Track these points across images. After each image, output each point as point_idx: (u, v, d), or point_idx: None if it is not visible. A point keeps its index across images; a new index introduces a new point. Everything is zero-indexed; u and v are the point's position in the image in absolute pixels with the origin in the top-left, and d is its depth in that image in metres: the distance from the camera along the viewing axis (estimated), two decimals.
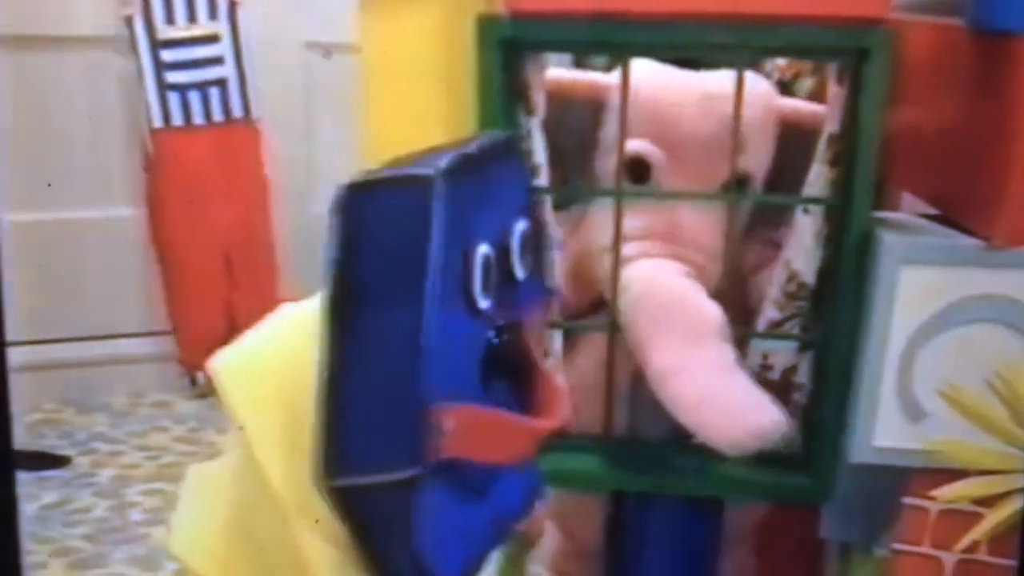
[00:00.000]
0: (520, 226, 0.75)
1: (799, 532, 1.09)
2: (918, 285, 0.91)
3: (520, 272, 0.75)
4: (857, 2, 0.88)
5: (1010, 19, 0.84)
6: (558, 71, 1.09)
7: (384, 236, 0.66)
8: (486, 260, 0.70)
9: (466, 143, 0.75)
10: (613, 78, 1.06)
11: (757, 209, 1.08)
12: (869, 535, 1.02)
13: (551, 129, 1.04)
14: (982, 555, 0.95)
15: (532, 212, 0.80)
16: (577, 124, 1.08)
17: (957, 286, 0.91)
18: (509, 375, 0.75)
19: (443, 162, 0.66)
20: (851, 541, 1.06)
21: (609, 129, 1.07)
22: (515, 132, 0.99)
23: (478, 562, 0.75)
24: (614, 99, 1.04)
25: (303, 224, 2.43)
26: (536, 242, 0.78)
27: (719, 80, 1.03)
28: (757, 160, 1.06)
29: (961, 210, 0.94)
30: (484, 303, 0.70)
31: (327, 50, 2.56)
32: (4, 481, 0.67)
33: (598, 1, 0.90)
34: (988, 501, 0.92)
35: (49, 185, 2.48)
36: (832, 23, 0.89)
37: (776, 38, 0.93)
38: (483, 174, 0.72)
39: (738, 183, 1.04)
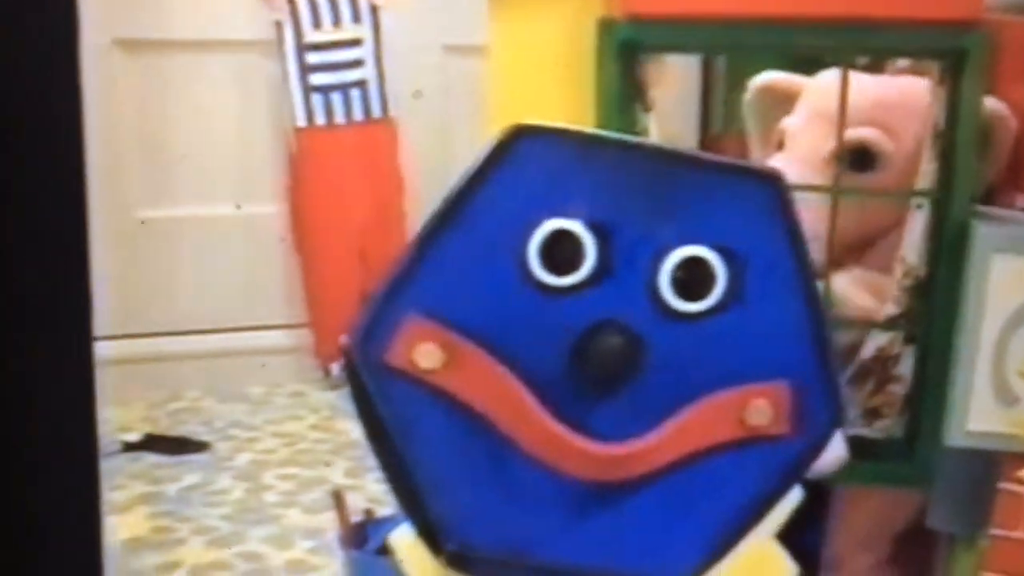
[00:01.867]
0: (691, 251, 0.70)
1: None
2: (1010, 273, 0.92)
3: (668, 294, 0.70)
4: (951, 6, 0.90)
5: None
6: (775, 73, 1.17)
7: (475, 161, 0.69)
8: (556, 234, 0.69)
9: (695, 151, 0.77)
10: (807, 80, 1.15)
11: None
12: (971, 525, 1.01)
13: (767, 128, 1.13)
14: None
15: (727, 247, 0.71)
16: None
17: None
18: (611, 382, 0.71)
19: (545, 126, 0.70)
20: (955, 532, 1.08)
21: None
22: (636, 131, 1.04)
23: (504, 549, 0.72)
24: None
25: None
26: (723, 282, 0.71)
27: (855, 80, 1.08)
28: (897, 139, 1.10)
29: None
30: (544, 275, 0.69)
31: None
32: (88, 475, 0.63)
33: (709, 5, 0.94)
34: None
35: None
36: (929, 26, 0.93)
37: (879, 40, 0.95)
38: (635, 170, 0.70)
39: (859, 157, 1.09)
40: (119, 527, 1.87)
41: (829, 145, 1.10)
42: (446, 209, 0.69)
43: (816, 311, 0.71)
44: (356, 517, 1.47)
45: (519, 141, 0.69)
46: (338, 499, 1.46)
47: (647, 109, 1.06)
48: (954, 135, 0.96)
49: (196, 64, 2.56)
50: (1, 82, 0.54)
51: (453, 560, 0.70)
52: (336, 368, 2.61)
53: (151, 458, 2.21)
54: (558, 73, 1.02)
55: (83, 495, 0.63)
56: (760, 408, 0.70)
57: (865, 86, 1.06)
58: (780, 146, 1.15)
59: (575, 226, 0.69)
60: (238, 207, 2.65)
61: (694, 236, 0.70)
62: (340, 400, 2.54)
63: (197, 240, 2.64)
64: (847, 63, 1.01)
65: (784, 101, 1.16)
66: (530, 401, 0.69)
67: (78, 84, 0.59)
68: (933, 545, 1.13)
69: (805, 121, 1.13)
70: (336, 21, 2.52)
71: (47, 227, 0.58)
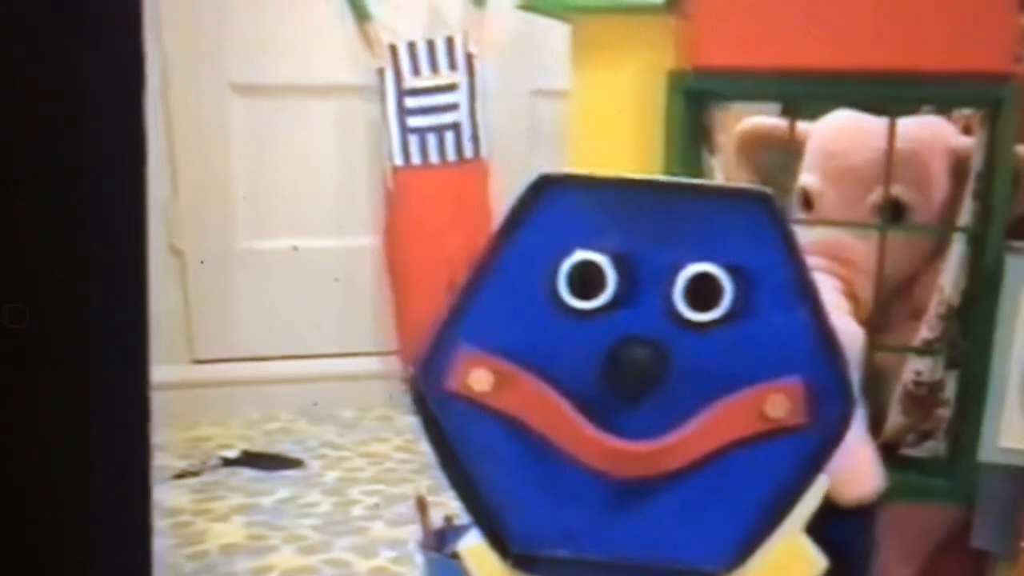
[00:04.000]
0: (701, 268, 0.76)
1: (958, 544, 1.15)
2: None
3: (683, 306, 0.77)
4: (987, 60, 0.99)
5: None
6: (761, 118, 1.24)
7: (508, 208, 0.78)
8: (580, 264, 0.76)
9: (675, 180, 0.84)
10: (810, 126, 1.21)
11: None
12: (1012, 543, 1.08)
13: (754, 170, 1.20)
14: None
15: (736, 264, 0.77)
16: (777, 166, 1.24)
17: None
18: (642, 389, 0.77)
19: (565, 173, 0.78)
20: (997, 550, 1.12)
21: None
22: (701, 171, 1.14)
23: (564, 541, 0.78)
24: (809, 145, 1.21)
25: None
26: (731, 295, 0.76)
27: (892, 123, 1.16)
28: (921, 189, 1.19)
29: None
30: (575, 303, 0.76)
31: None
32: (139, 498, 0.63)
33: (769, 59, 1.03)
34: None
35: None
36: (969, 78, 1.02)
37: (923, 91, 1.05)
38: (647, 202, 0.78)
39: (893, 210, 1.17)
40: (217, 534, 1.99)
41: (863, 203, 1.19)
42: (486, 254, 0.78)
43: (819, 314, 0.77)
44: (437, 524, 1.57)
45: (544, 189, 0.77)
46: (421, 505, 1.56)
47: (712, 152, 1.16)
48: (991, 176, 1.05)
49: (303, 107, 2.69)
50: (69, 125, 0.54)
51: (519, 562, 0.77)
52: None
53: (247, 473, 2.31)
54: (631, 118, 1.12)
55: (135, 518, 0.64)
56: (778, 402, 0.76)
57: (880, 139, 1.14)
58: (806, 203, 1.23)
59: (597, 256, 0.76)
60: (339, 240, 2.76)
61: (702, 255, 0.76)
62: None
63: (296, 271, 2.75)
64: (896, 113, 1.11)
65: (770, 143, 1.24)
66: (570, 411, 0.75)
67: (142, 129, 0.58)
68: (973, 560, 1.20)
69: (829, 180, 1.20)
70: (434, 68, 2.63)
71: (108, 258, 0.59)
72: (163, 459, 2.35)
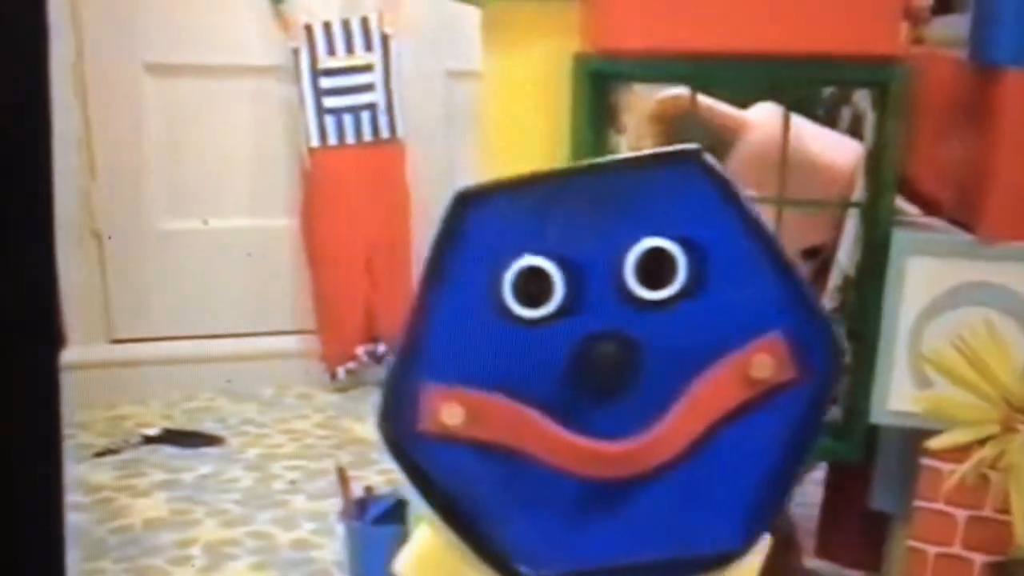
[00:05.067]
0: (648, 243, 0.74)
1: (861, 507, 1.21)
2: (923, 273, 1.06)
3: (639, 289, 0.75)
4: (874, 43, 1.05)
5: (997, 55, 1.02)
6: (681, 90, 1.29)
7: (434, 236, 0.77)
8: (523, 273, 0.74)
9: (599, 162, 0.81)
10: (748, 114, 1.27)
11: None
12: (906, 503, 1.14)
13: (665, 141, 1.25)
14: (989, 512, 1.08)
15: (688, 231, 0.75)
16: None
17: (955, 274, 1.06)
18: (611, 385, 0.75)
19: (482, 185, 0.77)
20: (893, 511, 1.19)
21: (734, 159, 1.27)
22: (608, 150, 1.19)
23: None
24: (747, 135, 1.26)
25: None
26: (683, 264, 0.75)
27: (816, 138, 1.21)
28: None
29: (962, 212, 1.10)
30: (523, 312, 0.75)
31: None
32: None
33: (670, 42, 1.08)
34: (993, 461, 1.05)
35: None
36: (858, 60, 1.08)
37: (816, 72, 1.11)
38: (575, 192, 0.76)
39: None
40: (140, 509, 2.01)
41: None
42: (425, 288, 0.76)
43: (786, 265, 0.75)
44: (357, 494, 1.61)
45: (465, 206, 0.76)
46: (342, 476, 1.60)
47: (619, 131, 1.22)
48: (881, 154, 1.12)
49: (217, 87, 2.69)
50: None
51: None
52: (341, 372, 2.74)
53: (169, 450, 2.33)
54: (540, 100, 1.17)
55: (48, 497, 0.62)
56: (762, 362, 0.74)
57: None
58: None
59: (538, 260, 0.75)
60: (255, 220, 2.78)
61: (647, 231, 0.74)
62: (344, 401, 2.69)
63: (213, 250, 2.76)
64: (788, 95, 1.18)
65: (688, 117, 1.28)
66: (548, 424, 0.74)
67: (48, 105, 0.57)
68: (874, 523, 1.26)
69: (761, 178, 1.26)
70: (349, 48, 2.65)
71: (15, 237, 0.56)
72: (84, 438, 2.37)
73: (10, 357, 0.58)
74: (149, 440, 2.38)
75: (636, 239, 0.74)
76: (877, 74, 1.09)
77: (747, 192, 0.76)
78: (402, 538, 1.44)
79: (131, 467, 2.24)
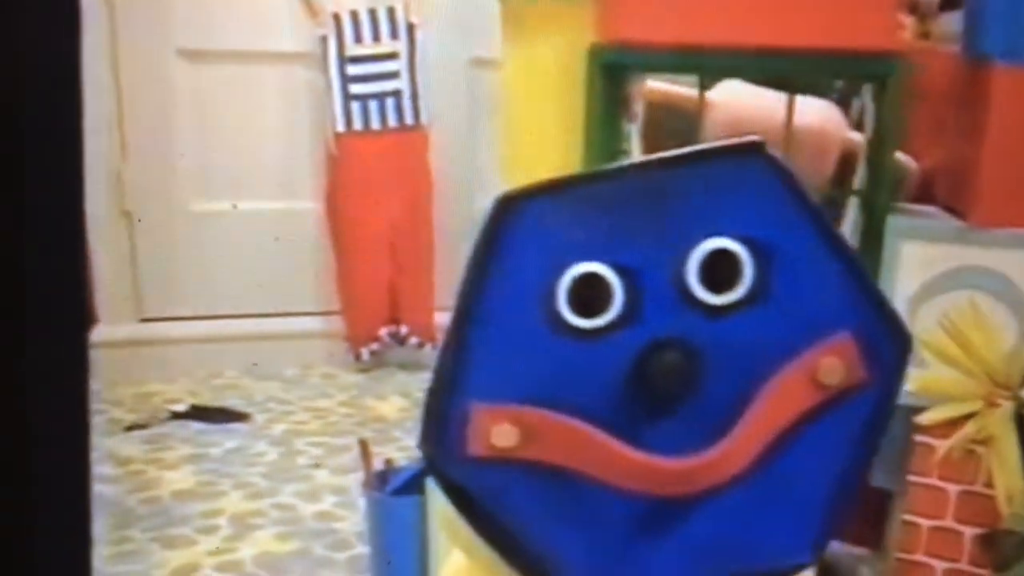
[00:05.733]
0: (711, 244, 0.69)
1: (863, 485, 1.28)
2: (916, 257, 1.11)
3: (702, 293, 0.69)
4: (873, 38, 1.10)
5: (987, 49, 1.08)
6: (662, 84, 1.34)
7: (475, 245, 0.70)
8: (578, 280, 0.69)
9: (640, 161, 0.74)
10: (711, 95, 1.31)
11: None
12: (903, 480, 1.18)
13: (656, 131, 1.30)
14: (979, 487, 1.13)
15: (749, 231, 0.70)
16: (679, 129, 1.33)
17: (947, 258, 1.10)
18: (672, 398, 0.70)
19: (526, 187, 0.70)
20: (892, 487, 1.23)
21: (706, 137, 1.32)
22: (620, 138, 1.25)
23: None
24: (710, 114, 1.30)
25: (465, 218, 2.61)
26: (750, 267, 0.69)
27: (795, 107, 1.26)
28: (816, 167, 1.30)
29: (955, 200, 1.15)
30: (579, 322, 0.69)
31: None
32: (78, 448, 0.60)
33: (680, 35, 1.14)
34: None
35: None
36: (857, 54, 1.13)
37: (817, 65, 1.16)
38: (629, 192, 0.70)
39: None
40: (168, 481, 2.09)
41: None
42: (466, 301, 0.69)
43: (853, 261, 0.71)
44: (378, 467, 1.67)
45: (510, 214, 0.69)
46: (364, 448, 1.66)
47: (630, 120, 1.27)
48: (879, 145, 1.17)
49: (247, 73, 2.76)
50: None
51: None
52: (365, 352, 2.80)
53: (196, 426, 2.40)
54: (556, 88, 1.23)
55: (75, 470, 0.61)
56: (832, 366, 0.70)
57: (781, 113, 1.24)
58: None
59: (595, 266, 0.69)
60: (283, 203, 2.84)
61: (708, 230, 0.69)
62: (367, 381, 2.75)
63: (241, 232, 2.82)
64: (794, 87, 1.23)
65: (674, 109, 1.32)
66: (610, 441, 0.68)
67: (79, 85, 0.56)
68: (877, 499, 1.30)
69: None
70: (376, 36, 2.70)
71: (45, 216, 0.55)
72: (114, 413, 2.44)
73: (41, 335, 0.58)
74: (177, 416, 2.45)
75: (697, 240, 0.69)
76: (875, 68, 1.14)
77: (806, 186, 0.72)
78: (421, 509, 1.51)
79: (159, 441, 2.31)
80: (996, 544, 1.16)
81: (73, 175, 0.57)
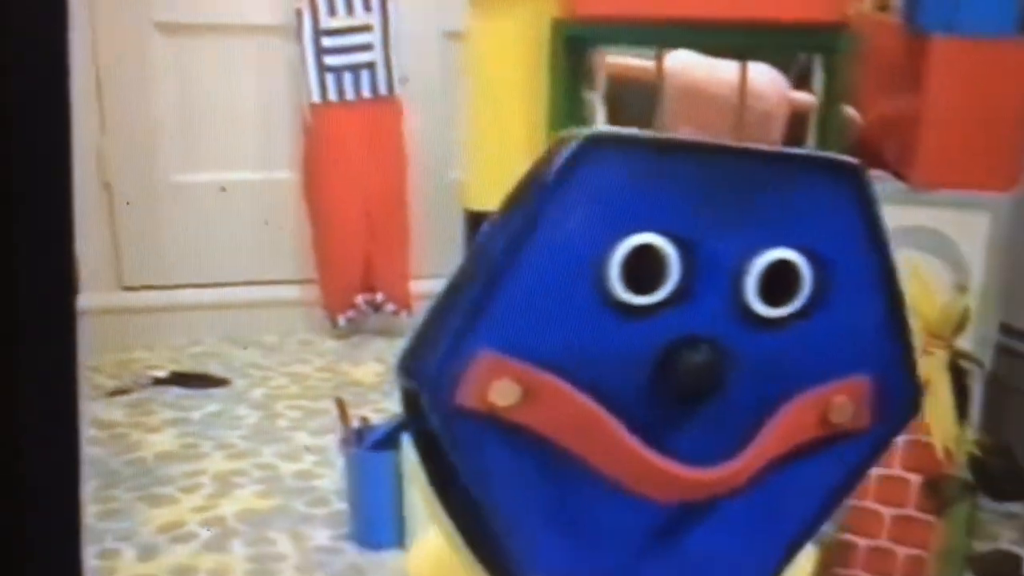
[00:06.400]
0: (778, 255, 0.65)
1: None
2: None
3: (757, 303, 0.65)
4: (820, 11, 1.17)
5: (924, 22, 1.15)
6: (622, 58, 1.41)
7: (533, 181, 0.65)
8: (637, 251, 0.63)
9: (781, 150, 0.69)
10: (667, 65, 1.38)
11: None
12: None
13: (616, 100, 1.36)
14: (922, 435, 1.20)
15: (821, 249, 0.67)
16: (637, 102, 1.40)
17: (889, 218, 1.18)
18: (700, 399, 0.66)
19: (618, 132, 0.64)
20: None
21: (663, 106, 1.39)
22: (583, 107, 1.32)
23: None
24: (667, 84, 1.37)
25: (439, 189, 2.68)
26: (809, 287, 0.67)
27: (738, 71, 1.33)
28: (764, 130, 1.37)
29: (899, 163, 1.23)
30: (625, 296, 0.63)
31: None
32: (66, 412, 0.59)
33: (638, 9, 1.21)
34: None
35: None
36: (806, 27, 1.20)
37: (767, 38, 1.24)
38: (718, 172, 0.65)
39: None
40: (152, 444, 2.14)
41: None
42: (507, 239, 0.63)
43: (898, 305, 0.69)
44: (354, 424, 1.74)
45: (590, 151, 0.63)
46: (341, 407, 1.73)
47: (592, 88, 1.34)
48: (827, 113, 1.24)
49: (224, 45, 2.79)
50: None
51: None
52: (342, 320, 2.85)
53: (177, 391, 2.46)
54: (521, 60, 1.29)
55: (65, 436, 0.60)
56: (842, 406, 0.68)
57: (730, 80, 1.31)
58: None
59: (658, 240, 0.63)
60: (260, 173, 2.88)
61: (778, 238, 0.65)
62: (344, 348, 2.81)
63: (220, 202, 2.86)
64: (746, 57, 1.30)
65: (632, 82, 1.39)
66: (619, 430, 0.64)
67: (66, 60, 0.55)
68: None
69: (685, 118, 1.37)
70: (349, 9, 2.74)
71: (34, 185, 0.54)
72: (96, 379, 2.49)
73: (30, 303, 0.57)
74: (158, 382, 2.50)
75: (767, 244, 0.65)
76: (823, 40, 1.21)
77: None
78: (397, 464, 1.57)
79: (142, 406, 2.36)
80: (938, 489, 1.23)
81: (61, 147, 0.56)
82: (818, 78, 1.29)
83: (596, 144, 0.63)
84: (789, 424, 0.67)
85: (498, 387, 0.62)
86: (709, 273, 0.64)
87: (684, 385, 0.65)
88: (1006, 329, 1.66)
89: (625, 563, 0.68)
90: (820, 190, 0.66)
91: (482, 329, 0.62)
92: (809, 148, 1.31)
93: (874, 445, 0.70)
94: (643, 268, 0.63)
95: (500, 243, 0.63)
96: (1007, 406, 1.80)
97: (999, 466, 1.20)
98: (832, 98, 1.22)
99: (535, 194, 0.63)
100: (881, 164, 1.28)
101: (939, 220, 1.16)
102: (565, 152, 0.63)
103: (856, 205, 0.67)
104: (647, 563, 0.68)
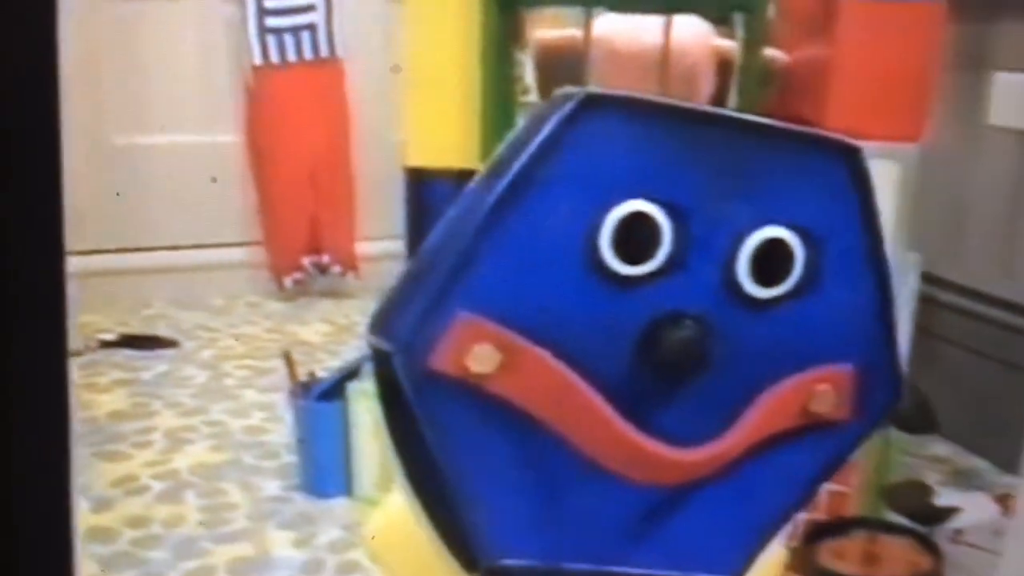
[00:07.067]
0: (770, 233, 0.63)
1: None
2: None
3: (747, 282, 0.63)
4: None
5: None
6: (553, 30, 1.45)
7: (534, 134, 0.61)
8: (629, 218, 0.61)
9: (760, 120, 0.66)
10: (592, 32, 1.43)
11: None
12: None
13: (548, 76, 1.42)
14: None
15: (815, 230, 0.65)
16: (568, 72, 1.45)
17: None
18: (685, 378, 0.64)
19: (616, 94, 0.62)
20: None
21: (592, 76, 1.44)
22: (514, 66, 1.37)
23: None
24: (593, 52, 1.42)
25: (383, 151, 2.60)
26: (800, 266, 0.65)
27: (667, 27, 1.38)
28: (691, 85, 1.42)
29: (813, 117, 1.29)
30: (614, 264, 0.61)
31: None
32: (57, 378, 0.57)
33: None
34: None
35: None
36: None
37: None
38: (715, 141, 0.63)
39: None
40: (103, 403, 2.18)
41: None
42: (495, 198, 0.60)
43: (886, 291, 0.66)
44: (302, 378, 1.79)
45: (586, 112, 0.61)
46: (288, 360, 1.78)
47: (522, 48, 1.39)
48: (746, 70, 1.30)
49: (166, 8, 2.79)
50: None
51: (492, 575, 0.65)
52: (288, 281, 2.89)
53: (126, 352, 2.49)
54: (454, 20, 1.33)
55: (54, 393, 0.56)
56: (824, 394, 0.66)
57: (654, 38, 1.36)
58: None
59: (652, 209, 0.61)
60: (203, 136, 2.89)
61: (772, 216, 0.63)
62: (291, 309, 2.85)
63: (165, 165, 2.87)
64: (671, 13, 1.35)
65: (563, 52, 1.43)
66: (600, 405, 0.62)
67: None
68: None
69: (612, 81, 1.42)
70: None
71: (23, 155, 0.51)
72: None
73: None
74: (106, 345, 2.53)
75: (761, 221, 0.63)
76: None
77: None
78: (343, 414, 1.63)
79: (91, 368, 2.39)
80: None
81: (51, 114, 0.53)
82: (739, 32, 1.35)
83: (593, 105, 0.61)
84: (771, 410, 0.65)
85: (477, 352, 0.60)
86: (701, 246, 0.62)
87: (668, 361, 0.62)
88: (928, 278, 1.74)
89: (596, 547, 0.65)
90: (817, 168, 0.65)
91: (463, 291, 0.60)
92: (732, 97, 1.37)
93: (852, 440, 0.68)
94: (634, 237, 0.61)
95: (487, 203, 0.60)
96: (934, 355, 1.89)
97: (908, 402, 1.27)
98: (751, 57, 1.28)
99: (527, 154, 0.60)
100: (798, 116, 1.34)
101: None
102: (560, 112, 0.60)
103: (851, 185, 0.65)
104: (620, 548, 0.66)
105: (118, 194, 2.80)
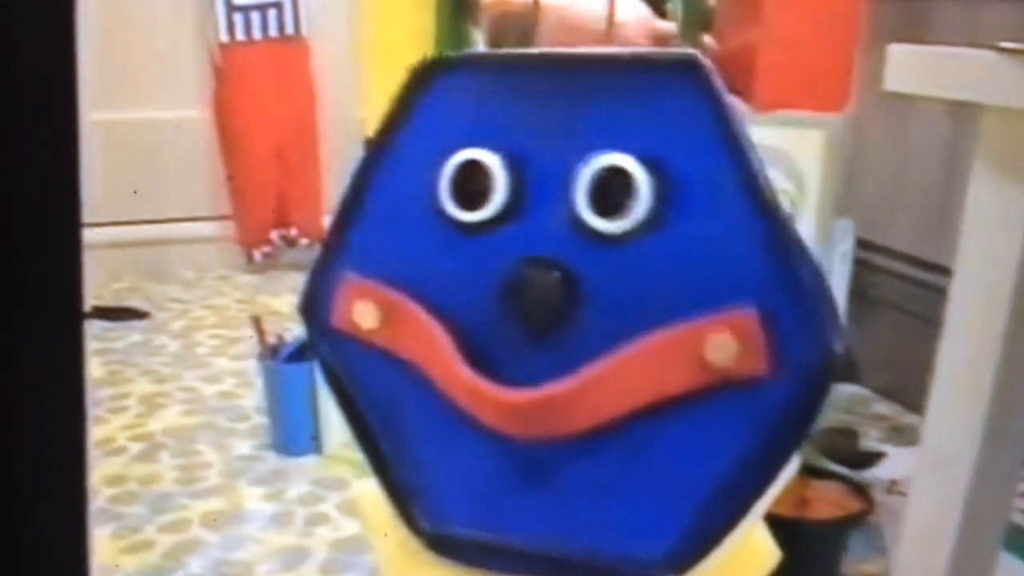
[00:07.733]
0: (604, 161, 0.60)
1: None
2: None
3: (590, 216, 0.60)
4: None
5: None
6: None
7: (388, 108, 0.66)
8: (463, 167, 0.63)
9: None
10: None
11: None
12: None
13: (496, 41, 1.49)
14: None
15: (663, 153, 0.60)
16: (516, 36, 1.52)
17: None
18: (546, 319, 0.62)
19: (451, 57, 0.66)
20: None
21: (540, 41, 1.51)
22: (468, 41, 1.44)
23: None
24: (542, 19, 1.49)
25: (348, 125, 2.66)
26: (648, 190, 0.60)
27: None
28: None
29: (743, 88, 1.39)
30: (457, 213, 0.63)
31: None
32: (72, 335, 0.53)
33: None
34: None
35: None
36: None
37: None
38: (547, 81, 0.63)
39: None
40: None
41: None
42: (361, 171, 0.66)
43: (772, 220, 0.58)
44: (271, 341, 1.87)
45: (434, 76, 0.64)
46: (257, 324, 1.86)
47: (475, 24, 1.46)
48: (686, 42, 1.38)
49: None
50: None
51: (434, 543, 0.66)
52: (257, 255, 2.96)
53: (99, 324, 2.53)
54: None
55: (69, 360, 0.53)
56: (722, 343, 0.57)
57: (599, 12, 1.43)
58: None
59: (484, 155, 0.62)
60: (172, 112, 2.94)
61: (611, 145, 0.60)
62: (261, 281, 2.92)
63: (136, 141, 2.91)
64: None
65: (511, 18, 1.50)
66: (449, 350, 0.61)
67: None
68: None
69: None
70: None
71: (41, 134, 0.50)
72: None
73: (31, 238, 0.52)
74: None
75: (596, 151, 0.60)
76: None
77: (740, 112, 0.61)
78: (311, 374, 1.71)
79: None
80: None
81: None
82: (677, 9, 1.43)
83: (441, 67, 0.64)
84: (652, 359, 0.58)
85: (359, 308, 0.64)
86: (540, 187, 0.62)
87: (527, 309, 0.61)
88: (863, 244, 1.83)
89: (499, 499, 0.63)
90: (660, 92, 0.60)
91: (345, 253, 0.66)
92: None
93: (781, 400, 0.57)
94: (473, 187, 0.62)
95: (360, 168, 0.66)
96: (872, 317, 1.99)
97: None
98: (688, 37, 1.36)
99: (388, 120, 0.65)
100: (733, 90, 1.43)
101: (779, 138, 1.31)
102: (413, 77, 0.65)
103: (700, 104, 0.59)
104: (522, 499, 0.63)
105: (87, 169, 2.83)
